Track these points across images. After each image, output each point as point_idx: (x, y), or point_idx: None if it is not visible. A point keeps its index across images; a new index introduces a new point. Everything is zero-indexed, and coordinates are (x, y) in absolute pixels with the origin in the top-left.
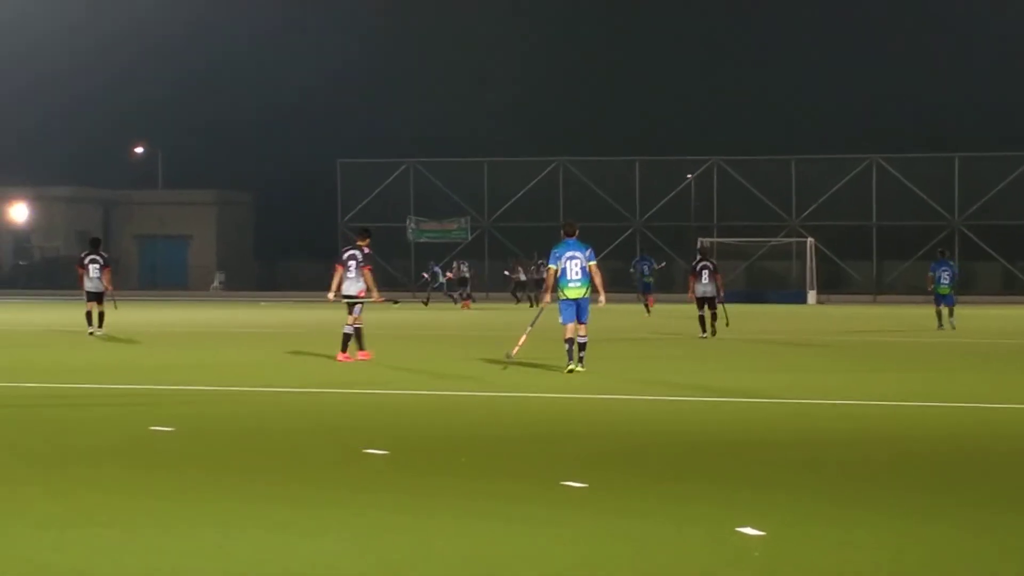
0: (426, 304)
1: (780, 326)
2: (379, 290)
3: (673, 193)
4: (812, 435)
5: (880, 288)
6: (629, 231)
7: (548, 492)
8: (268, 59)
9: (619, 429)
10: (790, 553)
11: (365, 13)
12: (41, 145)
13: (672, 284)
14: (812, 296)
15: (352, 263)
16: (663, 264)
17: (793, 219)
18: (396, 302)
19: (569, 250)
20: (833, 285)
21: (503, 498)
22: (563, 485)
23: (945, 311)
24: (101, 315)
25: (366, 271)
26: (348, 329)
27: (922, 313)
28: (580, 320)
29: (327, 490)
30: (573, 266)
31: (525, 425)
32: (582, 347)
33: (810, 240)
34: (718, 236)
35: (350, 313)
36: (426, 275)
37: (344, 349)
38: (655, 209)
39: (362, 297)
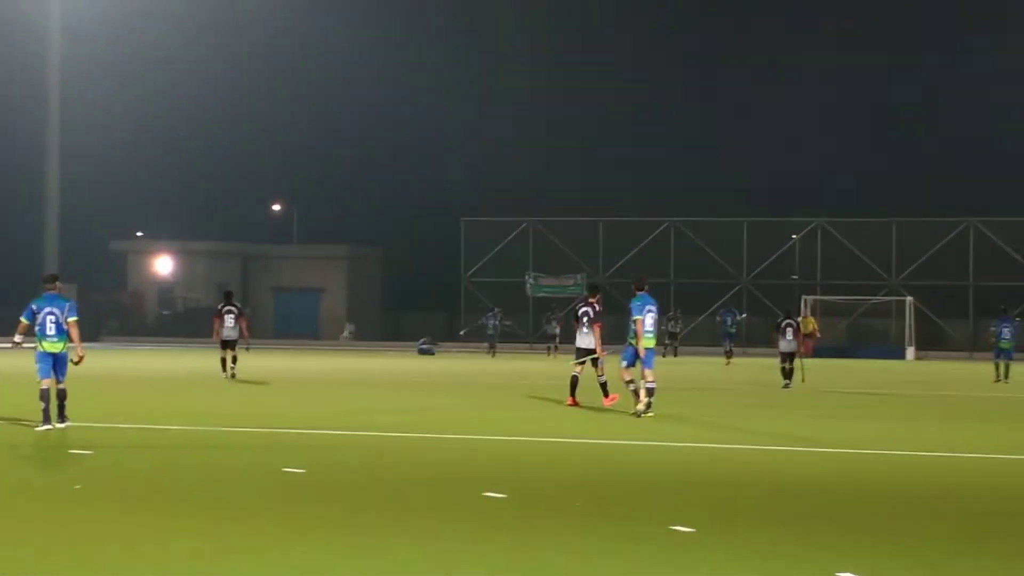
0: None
1: (878, 380)
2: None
3: (778, 253)
4: (910, 485)
5: (976, 346)
6: (736, 288)
7: (659, 535)
8: (396, 118)
9: (723, 476)
10: None
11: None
12: (184, 201)
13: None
14: (911, 352)
15: (585, 319)
16: (744, 315)
17: (893, 279)
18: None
19: (648, 303)
20: (931, 342)
21: (617, 540)
22: (673, 529)
23: (1003, 366)
24: (235, 359)
25: (596, 327)
26: (601, 378)
27: (1017, 370)
28: (649, 366)
29: (450, 531)
30: (650, 319)
31: (634, 472)
32: (652, 392)
33: (909, 299)
34: (821, 294)
35: (577, 361)
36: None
37: (572, 393)
38: (761, 268)
39: (590, 349)
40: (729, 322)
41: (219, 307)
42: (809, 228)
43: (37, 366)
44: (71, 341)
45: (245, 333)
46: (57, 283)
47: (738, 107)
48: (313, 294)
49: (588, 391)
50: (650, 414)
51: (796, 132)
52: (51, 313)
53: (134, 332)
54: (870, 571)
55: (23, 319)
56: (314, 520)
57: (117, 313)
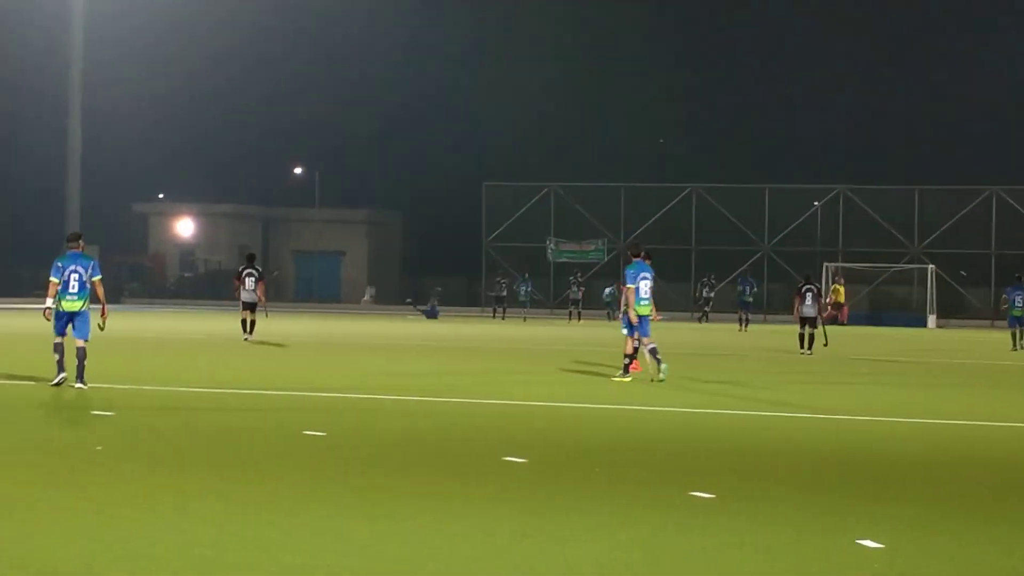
0: (578, 320)
1: (900, 347)
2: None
3: (801, 219)
4: (929, 453)
5: (998, 314)
6: (757, 255)
7: (679, 501)
8: (418, 83)
9: (742, 443)
10: (908, 565)
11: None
12: (205, 164)
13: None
14: (932, 320)
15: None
16: (756, 289)
17: (915, 246)
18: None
19: (643, 271)
20: (952, 310)
21: (636, 506)
22: (692, 495)
23: (1018, 332)
24: (252, 323)
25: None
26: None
27: None
28: (646, 334)
29: (469, 496)
30: (644, 286)
31: (654, 438)
32: (655, 352)
33: (931, 267)
34: (843, 261)
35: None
36: (572, 290)
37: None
38: (783, 234)
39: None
40: (747, 291)
41: (240, 269)
42: (831, 195)
43: (53, 323)
44: (94, 301)
45: (262, 297)
46: (80, 241)
47: (761, 73)
48: (334, 257)
49: (608, 356)
50: (661, 377)
51: (818, 99)
52: (75, 271)
53: (155, 294)
54: (890, 539)
55: (53, 278)
56: (334, 483)
57: (138, 275)
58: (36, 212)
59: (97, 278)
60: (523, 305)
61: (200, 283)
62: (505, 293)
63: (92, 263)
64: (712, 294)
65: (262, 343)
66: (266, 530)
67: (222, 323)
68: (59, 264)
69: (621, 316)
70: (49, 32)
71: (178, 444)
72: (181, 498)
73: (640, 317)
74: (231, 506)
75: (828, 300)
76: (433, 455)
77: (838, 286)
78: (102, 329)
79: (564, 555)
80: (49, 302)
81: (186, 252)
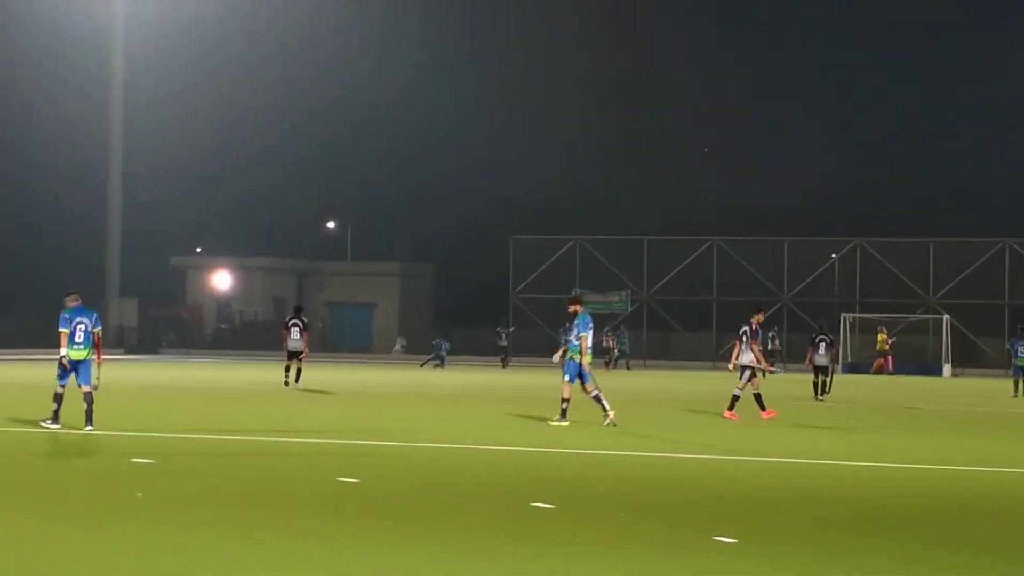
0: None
1: (913, 395)
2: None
3: (819, 271)
4: (943, 499)
5: (1009, 363)
6: (777, 306)
7: (703, 544)
8: (447, 136)
9: (763, 488)
10: None
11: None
12: (242, 220)
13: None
14: (947, 369)
15: (744, 336)
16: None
17: (930, 297)
18: (771, 372)
19: (591, 320)
20: (967, 359)
21: (661, 548)
22: (716, 540)
23: (1021, 382)
24: (299, 371)
25: (753, 344)
26: (737, 392)
27: None
28: (587, 381)
29: (499, 543)
30: (590, 335)
31: (675, 484)
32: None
33: (946, 317)
34: (860, 312)
35: (740, 378)
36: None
37: (731, 407)
38: (802, 286)
39: (752, 365)
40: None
41: (287, 319)
42: (848, 247)
43: (58, 371)
44: (95, 349)
45: (304, 350)
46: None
47: (779, 127)
48: (366, 309)
49: (631, 404)
50: (610, 421)
51: (833, 153)
52: (82, 322)
53: (192, 345)
54: None
55: (63, 329)
56: (367, 526)
57: (176, 327)
58: (76, 267)
59: (98, 329)
60: (504, 351)
61: (236, 334)
62: (506, 343)
63: (95, 315)
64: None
65: (306, 391)
66: (302, 571)
67: (258, 373)
68: (67, 316)
69: (565, 362)
70: (88, 93)
71: (217, 489)
72: (218, 541)
73: (588, 364)
74: (268, 549)
75: (877, 358)
76: (464, 501)
77: (882, 335)
78: (98, 379)
79: None
80: (63, 351)
81: (223, 304)
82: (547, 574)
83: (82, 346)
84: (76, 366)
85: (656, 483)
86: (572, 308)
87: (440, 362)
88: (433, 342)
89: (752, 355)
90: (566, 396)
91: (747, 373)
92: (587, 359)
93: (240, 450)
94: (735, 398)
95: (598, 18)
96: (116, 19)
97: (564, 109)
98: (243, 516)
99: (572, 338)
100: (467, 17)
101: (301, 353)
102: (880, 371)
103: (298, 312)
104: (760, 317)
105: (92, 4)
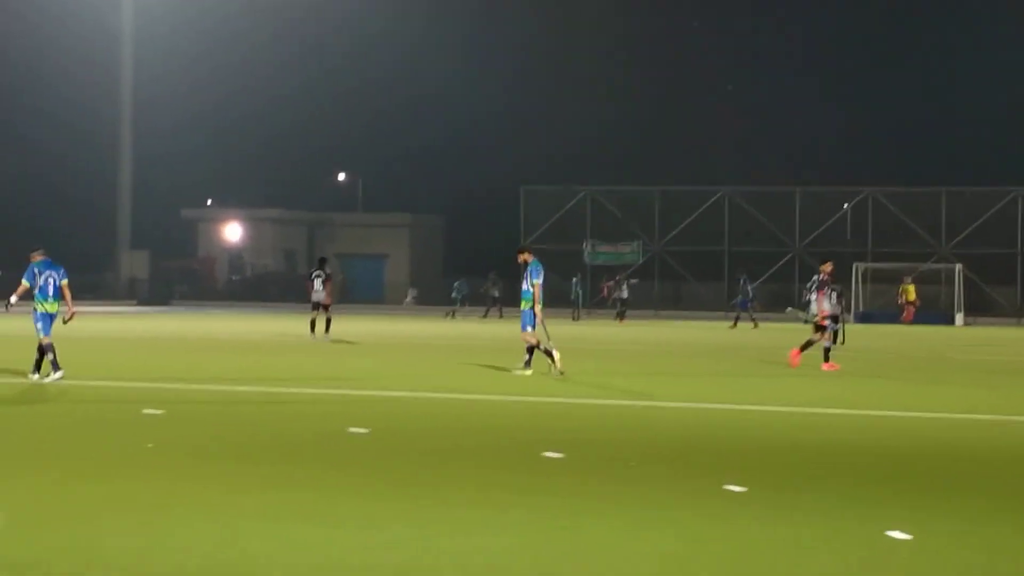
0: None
1: (925, 344)
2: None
3: (831, 221)
4: (953, 447)
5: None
6: (788, 256)
7: (712, 493)
8: (458, 88)
9: (773, 438)
10: (937, 555)
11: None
12: (253, 171)
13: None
14: (959, 318)
15: (813, 287)
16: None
17: (942, 246)
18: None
19: (542, 268)
20: (979, 308)
21: (671, 496)
22: (725, 489)
23: None
24: (328, 321)
25: (820, 294)
26: (827, 344)
27: None
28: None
29: (509, 491)
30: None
31: (685, 434)
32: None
33: (958, 266)
34: (872, 261)
35: (816, 331)
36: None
37: (826, 360)
38: (813, 236)
39: (825, 316)
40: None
41: (311, 272)
42: (860, 197)
43: (38, 325)
44: (64, 302)
45: (328, 298)
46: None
47: (792, 78)
48: (378, 260)
49: (641, 355)
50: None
51: (853, 104)
52: (51, 276)
53: (204, 296)
54: (918, 530)
55: (25, 281)
56: (376, 476)
57: (188, 278)
58: (87, 221)
59: (65, 281)
60: (495, 301)
61: (248, 285)
62: (498, 294)
63: (62, 269)
64: (626, 295)
65: (336, 341)
66: (312, 519)
67: (268, 324)
68: (36, 270)
69: (522, 312)
70: (99, 46)
71: (227, 439)
72: (231, 491)
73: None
74: (280, 496)
75: (901, 300)
76: (475, 451)
77: (907, 285)
78: (65, 323)
79: (598, 550)
80: (14, 299)
81: (234, 256)
82: (554, 520)
83: (53, 299)
84: (48, 318)
85: (664, 433)
86: (522, 258)
87: (455, 306)
88: (455, 284)
89: (827, 305)
90: (531, 342)
91: (826, 322)
92: (539, 307)
93: (250, 399)
94: (827, 350)
95: None
96: None
97: (576, 61)
98: (252, 465)
99: (526, 286)
100: None
101: (326, 304)
102: (909, 321)
103: (322, 264)
104: (829, 267)
105: None
